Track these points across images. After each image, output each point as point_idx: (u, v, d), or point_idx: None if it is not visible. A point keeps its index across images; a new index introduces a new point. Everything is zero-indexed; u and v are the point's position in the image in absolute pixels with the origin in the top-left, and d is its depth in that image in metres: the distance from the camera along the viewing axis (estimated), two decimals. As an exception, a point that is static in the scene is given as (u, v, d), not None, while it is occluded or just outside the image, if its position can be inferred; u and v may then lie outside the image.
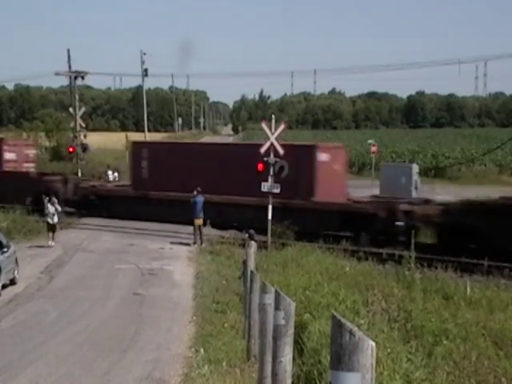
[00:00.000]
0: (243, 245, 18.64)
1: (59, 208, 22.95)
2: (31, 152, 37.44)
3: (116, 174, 39.09)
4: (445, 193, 27.04)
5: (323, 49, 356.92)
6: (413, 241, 17.72)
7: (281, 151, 21.75)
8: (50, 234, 22.51)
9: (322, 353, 8.47)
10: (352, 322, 7.97)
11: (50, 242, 22.39)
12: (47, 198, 22.84)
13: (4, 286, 15.84)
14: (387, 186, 28.00)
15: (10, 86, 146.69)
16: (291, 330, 5.67)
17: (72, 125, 42.46)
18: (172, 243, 23.67)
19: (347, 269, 17.22)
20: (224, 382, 8.40)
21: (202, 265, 19.55)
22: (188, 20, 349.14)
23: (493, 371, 9.29)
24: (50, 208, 22.50)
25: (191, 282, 17.20)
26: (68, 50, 43.37)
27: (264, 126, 22.24)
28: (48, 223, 22.64)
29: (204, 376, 8.74)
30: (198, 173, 26.71)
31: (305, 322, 10.45)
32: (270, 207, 21.72)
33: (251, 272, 10.64)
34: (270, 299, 7.01)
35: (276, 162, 21.53)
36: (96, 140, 45.71)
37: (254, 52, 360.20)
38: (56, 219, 22.60)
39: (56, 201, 22.82)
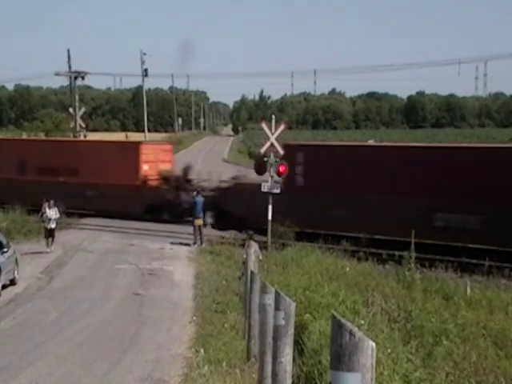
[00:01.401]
0: (243, 245, 18.63)
1: (58, 214, 22.38)
2: None
3: None
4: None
5: (323, 49, 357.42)
6: (413, 240, 17.69)
7: (281, 151, 21.77)
8: (50, 239, 21.91)
9: (322, 353, 8.47)
10: (352, 322, 7.97)
11: (49, 249, 21.78)
12: (47, 203, 22.37)
13: (4, 287, 15.85)
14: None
15: (10, 86, 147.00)
16: (291, 331, 5.67)
17: (72, 125, 42.57)
18: (172, 243, 23.67)
19: (347, 269, 17.21)
20: (224, 383, 8.40)
21: (202, 265, 19.55)
22: (188, 20, 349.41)
23: (493, 371, 9.28)
24: (49, 213, 21.93)
25: (191, 282, 17.20)
26: (68, 50, 43.57)
27: (264, 126, 22.25)
28: (46, 228, 22.01)
29: (204, 376, 8.74)
30: None
31: (305, 322, 10.45)
32: (270, 207, 21.70)
33: (251, 272, 10.64)
34: (270, 299, 7.01)
35: (276, 161, 21.54)
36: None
37: (254, 52, 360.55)
38: (54, 225, 22.00)
39: (56, 206, 22.41)
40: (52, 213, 22.01)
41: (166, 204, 27.49)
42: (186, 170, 29.67)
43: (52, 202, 22.32)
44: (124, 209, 26.94)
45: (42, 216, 22.29)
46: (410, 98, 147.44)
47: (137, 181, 28.39)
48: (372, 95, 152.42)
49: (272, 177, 21.60)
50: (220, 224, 25.33)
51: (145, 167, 28.99)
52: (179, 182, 28.31)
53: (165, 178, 28.85)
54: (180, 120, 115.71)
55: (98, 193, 28.69)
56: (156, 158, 29.49)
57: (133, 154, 28.98)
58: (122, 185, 27.54)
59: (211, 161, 59.76)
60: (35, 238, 23.93)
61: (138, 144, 30.93)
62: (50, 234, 21.96)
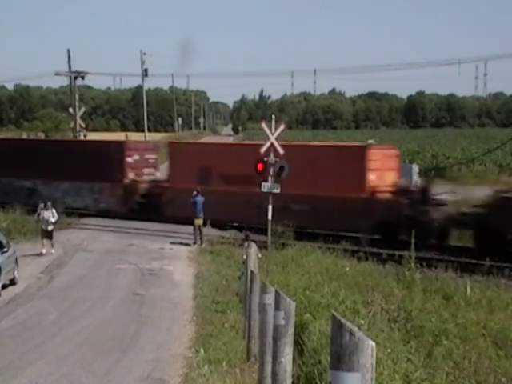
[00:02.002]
0: (243, 245, 18.64)
1: (56, 216, 21.95)
2: None
3: None
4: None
5: (323, 49, 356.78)
6: (413, 240, 17.70)
7: (281, 151, 21.77)
8: (48, 241, 21.54)
9: (322, 353, 8.47)
10: (352, 322, 7.97)
11: (49, 250, 21.42)
12: (43, 204, 22.13)
13: (4, 286, 15.85)
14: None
15: (10, 86, 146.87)
16: (291, 330, 5.67)
17: (72, 125, 42.58)
18: (172, 243, 23.66)
19: (347, 269, 17.22)
20: (224, 382, 8.40)
21: (202, 265, 19.55)
22: (188, 20, 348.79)
23: (493, 371, 9.29)
24: (45, 214, 21.58)
25: (191, 282, 17.21)
26: (68, 50, 43.55)
27: (264, 126, 22.24)
28: (42, 229, 21.68)
29: (204, 376, 8.74)
30: None
31: (305, 322, 10.46)
32: (270, 207, 21.70)
33: (251, 272, 10.65)
34: (270, 299, 7.01)
35: (276, 161, 21.55)
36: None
37: (254, 52, 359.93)
38: (51, 227, 21.66)
39: (53, 208, 22.17)
40: (49, 214, 21.63)
41: (403, 221, 22.49)
42: (430, 181, 25.95)
43: (49, 203, 22.13)
44: (344, 226, 22.12)
45: (38, 216, 22.06)
46: (409, 97, 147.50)
47: (363, 192, 23.52)
48: (372, 95, 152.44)
49: (272, 177, 21.62)
50: (482, 247, 20.67)
51: (372, 176, 24.19)
52: (425, 196, 23.30)
53: (402, 190, 24.00)
54: (180, 120, 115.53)
55: (308, 207, 24.39)
56: (383, 166, 24.50)
57: (357, 161, 24.15)
58: (342, 197, 22.31)
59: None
60: (35, 237, 23.83)
61: (363, 149, 25.25)
62: (47, 235, 21.59)
